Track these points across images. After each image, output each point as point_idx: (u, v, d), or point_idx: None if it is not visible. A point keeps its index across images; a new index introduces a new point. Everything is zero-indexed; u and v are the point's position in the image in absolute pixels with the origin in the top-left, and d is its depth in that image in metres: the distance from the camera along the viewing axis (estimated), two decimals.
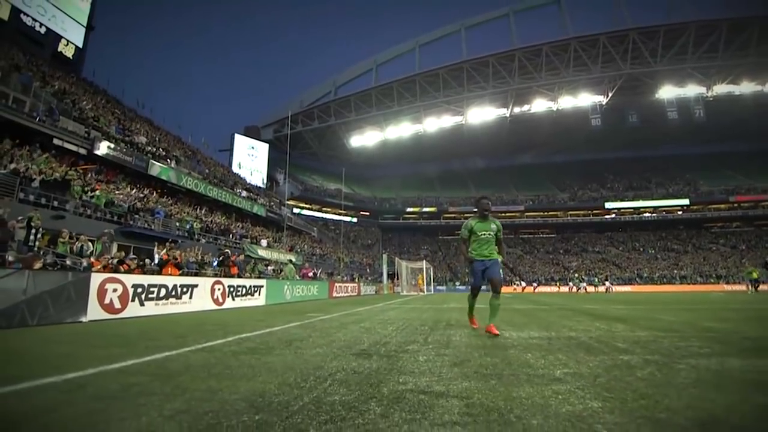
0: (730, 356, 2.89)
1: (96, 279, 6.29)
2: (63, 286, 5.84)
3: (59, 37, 28.69)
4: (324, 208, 53.65)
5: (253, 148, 47.85)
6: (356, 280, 26.95)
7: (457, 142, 58.63)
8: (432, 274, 31.79)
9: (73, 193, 12.06)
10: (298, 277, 17.86)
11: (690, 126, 52.09)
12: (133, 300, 6.74)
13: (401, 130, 56.11)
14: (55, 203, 11.04)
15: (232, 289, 9.54)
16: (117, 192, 14.65)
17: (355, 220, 58.73)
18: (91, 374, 2.46)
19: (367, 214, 59.21)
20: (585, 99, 50.09)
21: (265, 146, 49.48)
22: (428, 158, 62.95)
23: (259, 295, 10.67)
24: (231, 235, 20.13)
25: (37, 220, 8.41)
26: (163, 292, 7.34)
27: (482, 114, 52.98)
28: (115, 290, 6.48)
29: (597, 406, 1.71)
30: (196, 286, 8.40)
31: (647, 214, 52.00)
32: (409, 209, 57.80)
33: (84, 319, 5.98)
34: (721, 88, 47.47)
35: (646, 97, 50.46)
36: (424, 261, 27.56)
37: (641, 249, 48.25)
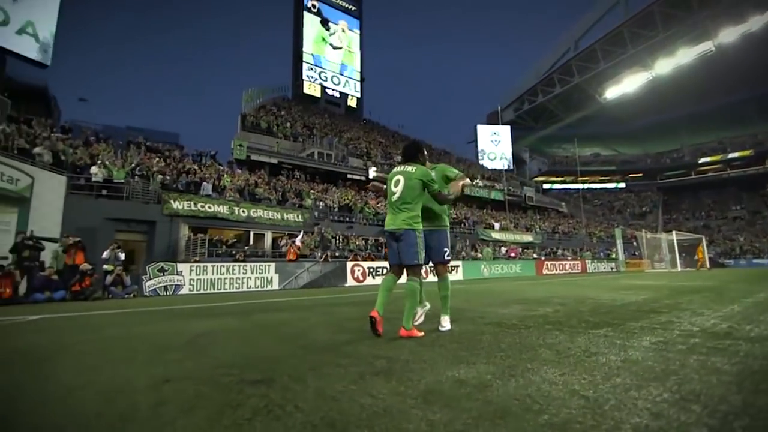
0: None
1: (349, 264, 11.42)
2: (336, 269, 11.18)
3: (346, 96, 41.90)
4: (580, 178, 49.25)
5: (495, 134, 50.32)
6: (581, 256, 24.71)
7: None
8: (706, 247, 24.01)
9: (356, 210, 19.26)
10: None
11: None
12: (368, 275, 11.55)
13: (678, 58, 43.51)
14: (347, 219, 18.27)
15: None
16: (379, 205, 21.48)
17: (622, 185, 50.51)
18: (349, 296, 7.16)
19: (640, 175, 49.60)
20: None
21: (507, 129, 50.75)
22: (729, 84, 45.48)
23: (457, 273, 13.76)
24: (462, 224, 23.95)
25: (331, 231, 14.97)
26: (384, 271, 11.83)
27: None
28: (359, 270, 11.43)
29: None
30: None
31: None
32: (703, 160, 44.28)
33: (345, 285, 11.15)
34: None
35: None
36: (664, 234, 21.51)
37: None
